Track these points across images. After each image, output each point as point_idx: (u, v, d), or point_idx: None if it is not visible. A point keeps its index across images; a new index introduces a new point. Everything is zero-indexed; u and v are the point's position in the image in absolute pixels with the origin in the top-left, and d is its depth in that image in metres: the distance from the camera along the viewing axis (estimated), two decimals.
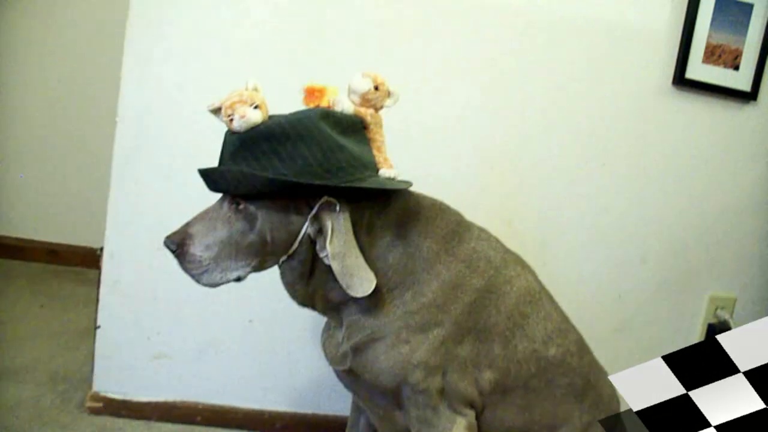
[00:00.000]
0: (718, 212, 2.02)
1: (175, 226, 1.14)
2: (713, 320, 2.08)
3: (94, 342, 1.83)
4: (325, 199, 1.10)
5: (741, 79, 1.91)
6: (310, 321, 1.83)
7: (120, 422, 1.83)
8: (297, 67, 1.74)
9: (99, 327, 1.81)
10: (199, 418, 1.87)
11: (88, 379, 1.87)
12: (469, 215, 1.31)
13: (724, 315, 2.06)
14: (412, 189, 1.23)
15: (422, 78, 1.79)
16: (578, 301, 1.93)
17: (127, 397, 1.85)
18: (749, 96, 1.93)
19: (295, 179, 1.05)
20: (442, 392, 1.20)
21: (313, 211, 1.11)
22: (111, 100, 1.74)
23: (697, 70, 1.88)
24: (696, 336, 2.08)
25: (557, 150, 1.88)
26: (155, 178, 1.75)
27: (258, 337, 1.86)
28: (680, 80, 1.87)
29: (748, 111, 1.96)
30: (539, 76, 1.84)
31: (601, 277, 1.99)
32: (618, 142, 1.91)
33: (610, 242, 1.97)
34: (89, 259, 2.94)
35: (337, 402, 1.89)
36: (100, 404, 1.84)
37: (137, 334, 1.83)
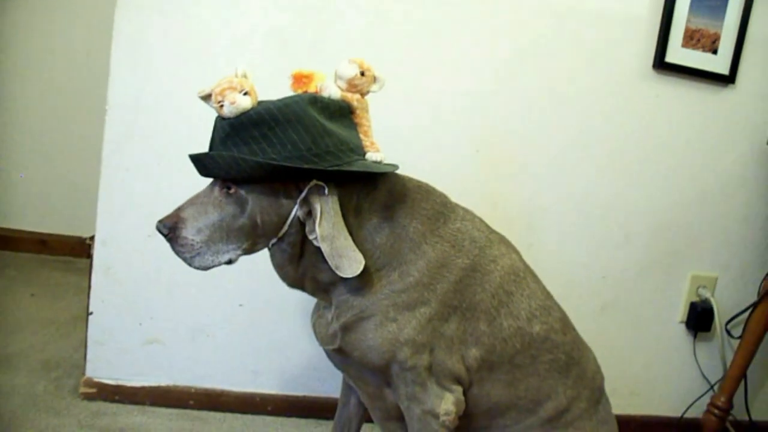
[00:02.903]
0: (699, 193, 2.06)
1: (166, 212, 1.16)
2: (695, 299, 2.12)
3: (86, 328, 1.85)
4: (314, 182, 1.13)
5: (719, 63, 1.95)
6: (300, 304, 1.86)
7: (113, 407, 1.85)
8: (286, 53, 1.76)
9: (91, 313, 1.83)
10: (191, 402, 1.90)
11: (81, 366, 1.89)
12: (456, 199, 1.34)
13: (706, 294, 2.11)
14: (398, 172, 1.26)
15: (409, 63, 1.82)
16: (564, 282, 1.97)
17: (120, 382, 1.87)
18: (727, 79, 1.96)
19: (284, 163, 1.08)
20: (430, 369, 1.23)
21: (303, 195, 1.14)
22: (100, 88, 1.75)
23: (676, 54, 1.91)
24: (679, 315, 2.12)
25: (540, 133, 1.92)
26: (146, 165, 1.77)
27: (249, 320, 1.88)
28: (660, 64, 1.91)
29: (726, 94, 2.00)
30: (522, 62, 1.87)
31: (585, 258, 2.03)
32: (600, 126, 1.95)
33: (594, 224, 2.01)
34: (78, 249, 2.96)
35: (328, 383, 1.92)
36: (94, 390, 1.86)
37: (129, 320, 1.85)
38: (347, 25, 1.78)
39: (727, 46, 1.94)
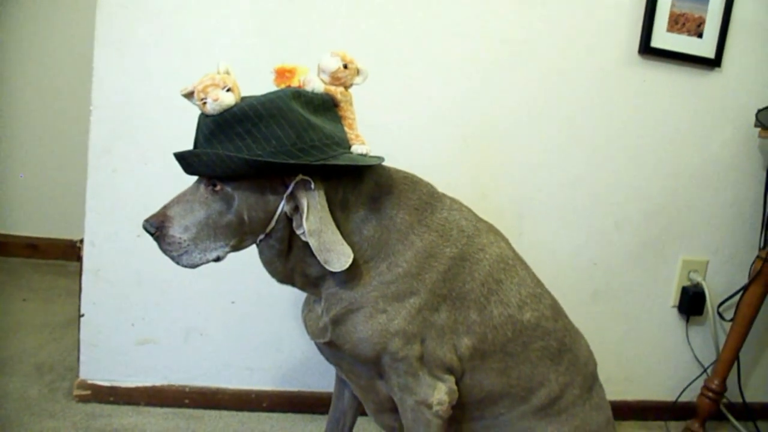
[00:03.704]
0: (688, 177, 2.06)
1: (154, 212, 1.16)
2: (687, 283, 2.13)
3: (78, 331, 1.84)
4: (300, 177, 1.13)
5: (705, 47, 1.95)
6: (291, 299, 1.86)
7: (108, 408, 1.85)
8: (270, 48, 1.75)
9: (83, 315, 1.83)
10: (187, 401, 1.90)
11: (75, 368, 1.89)
12: (444, 189, 1.34)
13: (697, 278, 2.12)
14: (385, 164, 1.25)
15: (396, 55, 1.81)
16: (555, 269, 1.98)
17: (115, 384, 1.87)
18: (713, 62, 1.97)
19: (269, 159, 1.07)
20: (422, 359, 1.23)
21: (289, 190, 1.14)
22: (85, 90, 1.74)
23: (661, 38, 1.91)
24: (671, 299, 2.13)
25: (528, 123, 1.92)
26: (133, 165, 1.76)
27: (241, 317, 1.88)
28: (646, 49, 1.91)
29: (713, 77, 2.00)
30: (509, 52, 1.87)
31: (576, 245, 2.03)
32: (588, 114, 1.95)
33: (583, 211, 2.01)
34: (69, 252, 2.95)
35: (323, 378, 1.92)
36: (88, 392, 1.86)
37: (121, 321, 1.85)
38: (334, 18, 1.77)
39: (712, 29, 1.94)
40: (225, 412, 1.91)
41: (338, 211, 1.18)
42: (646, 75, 1.95)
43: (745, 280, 2.02)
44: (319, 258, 1.13)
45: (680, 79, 1.98)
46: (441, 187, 1.34)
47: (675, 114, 2.01)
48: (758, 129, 1.99)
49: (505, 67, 1.88)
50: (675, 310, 2.15)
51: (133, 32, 1.71)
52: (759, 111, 1.94)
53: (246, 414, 1.91)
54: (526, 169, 1.95)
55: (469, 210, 1.33)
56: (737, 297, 2.05)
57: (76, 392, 1.86)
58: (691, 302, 2.11)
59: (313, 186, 1.12)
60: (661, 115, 2.00)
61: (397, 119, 1.84)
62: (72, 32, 2.95)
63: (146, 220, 1.14)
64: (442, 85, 1.85)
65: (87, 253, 1.80)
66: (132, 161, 1.76)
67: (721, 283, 2.15)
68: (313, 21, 1.76)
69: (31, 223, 3.08)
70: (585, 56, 1.91)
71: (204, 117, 1.11)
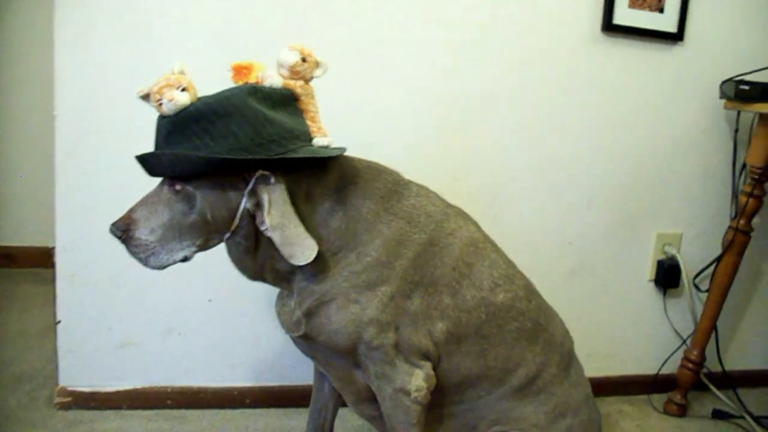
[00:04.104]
0: (659, 152, 2.08)
1: (121, 215, 1.16)
2: (662, 257, 2.15)
3: (56, 338, 1.83)
4: (259, 172, 1.12)
5: (667, 21, 1.96)
6: (268, 294, 1.85)
7: (90, 414, 1.84)
8: (233, 45, 1.74)
9: (59, 322, 1.81)
10: (169, 402, 1.89)
11: (54, 375, 1.87)
12: (417, 176, 1.35)
13: (672, 251, 2.14)
14: (349, 153, 1.25)
15: (366, 41, 1.81)
16: (531, 250, 1.99)
17: (95, 389, 1.86)
18: (676, 37, 1.98)
19: (227, 156, 1.07)
20: (397, 347, 1.24)
21: (249, 186, 1.13)
22: (50, 93, 1.73)
23: (624, 15, 1.92)
24: (647, 273, 2.15)
25: (497, 104, 1.92)
26: (100, 168, 1.75)
27: (219, 315, 1.88)
28: (608, 26, 1.92)
29: (676, 51, 2.01)
30: (471, 35, 1.87)
31: (551, 224, 2.04)
32: (555, 93, 1.95)
33: (557, 190, 2.02)
34: (45, 259, 2.91)
35: (303, 371, 1.92)
36: (69, 398, 1.84)
37: (99, 325, 1.83)
38: (304, 7, 1.76)
39: (673, 4, 1.95)
40: (208, 411, 1.90)
41: (303, 205, 1.18)
42: (611, 52, 1.96)
43: (718, 251, 2.04)
44: (282, 252, 1.13)
45: (644, 55, 1.99)
46: (413, 173, 1.34)
47: (641, 89, 2.02)
48: (723, 101, 2.01)
49: (470, 52, 1.88)
50: (652, 284, 2.17)
51: (92, 33, 1.69)
52: (723, 83, 1.95)
53: (229, 411, 1.91)
54: (497, 151, 1.95)
55: (437, 195, 1.34)
56: (712, 268, 2.07)
57: (57, 400, 1.84)
58: (667, 275, 2.13)
59: (273, 180, 1.12)
60: (627, 91, 2.01)
61: (366, 106, 1.84)
62: (32, 36, 2.91)
63: (113, 224, 1.14)
64: (410, 70, 1.85)
65: (60, 258, 1.79)
66: (99, 164, 1.74)
67: (696, 255, 2.17)
68: (282, 11, 1.75)
69: (5, 232, 3.05)
70: (549, 36, 1.92)
71: (161, 118, 1.11)
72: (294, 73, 1.19)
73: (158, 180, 1.17)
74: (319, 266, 1.20)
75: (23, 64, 2.95)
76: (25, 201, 3.03)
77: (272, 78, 1.16)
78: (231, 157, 1.07)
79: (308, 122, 1.20)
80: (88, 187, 1.75)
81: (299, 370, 1.93)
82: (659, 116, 2.05)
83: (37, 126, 2.92)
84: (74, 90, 1.71)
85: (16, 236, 3.06)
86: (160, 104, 1.08)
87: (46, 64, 1.78)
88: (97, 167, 1.75)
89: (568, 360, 1.43)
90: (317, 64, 1.22)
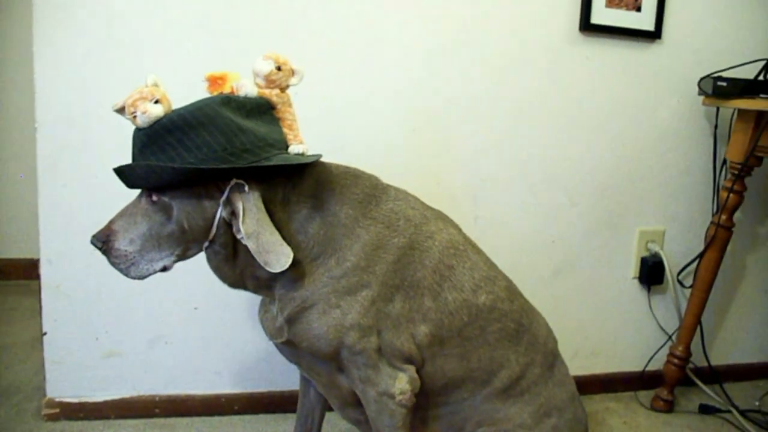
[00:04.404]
0: (640, 150, 2.09)
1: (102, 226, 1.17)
2: (645, 254, 2.16)
3: (42, 349, 1.82)
4: (233, 181, 1.13)
5: (644, 20, 1.98)
6: (253, 300, 1.85)
7: (78, 425, 1.83)
8: (212, 54, 1.74)
9: (45, 333, 1.81)
10: (157, 410, 1.89)
11: (42, 387, 1.87)
12: (397, 179, 1.35)
13: (655, 248, 2.15)
14: (327, 160, 1.26)
15: (343, 44, 1.82)
16: (514, 251, 2.01)
17: (83, 399, 1.86)
18: (654, 35, 2.00)
19: (200, 165, 1.08)
20: (380, 351, 1.24)
21: (224, 195, 1.14)
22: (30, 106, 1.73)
23: (601, 14, 1.94)
24: (631, 271, 2.16)
25: (477, 106, 1.93)
26: (83, 179, 1.75)
27: (205, 323, 1.88)
28: (586, 26, 1.93)
29: (654, 49, 2.03)
30: (451, 36, 1.88)
31: (533, 224, 2.05)
32: (534, 94, 1.97)
33: (538, 190, 2.03)
34: (31, 271, 2.89)
35: (290, 377, 1.93)
36: (57, 410, 1.84)
37: (85, 336, 1.83)
38: (282, 11, 1.76)
39: (650, 2, 1.97)
40: (197, 419, 1.90)
41: (280, 212, 1.19)
42: (589, 52, 1.98)
43: (701, 247, 2.06)
44: (258, 260, 1.13)
45: (623, 53, 2.01)
46: (393, 176, 1.35)
47: (620, 88, 2.03)
48: (702, 97, 2.02)
49: (450, 53, 1.89)
50: (636, 281, 2.18)
51: (72, 46, 1.69)
52: (701, 79, 1.96)
53: (217, 419, 1.91)
54: (478, 152, 1.96)
55: (416, 199, 1.34)
56: (695, 264, 2.08)
57: (45, 411, 1.84)
58: (651, 272, 2.14)
59: (247, 189, 1.13)
60: (606, 90, 2.02)
61: (345, 109, 1.84)
62: (12, 45, 2.91)
63: (93, 236, 1.16)
64: (389, 72, 1.86)
65: (44, 270, 1.79)
66: (81, 175, 1.75)
67: (679, 251, 2.18)
68: (260, 17, 1.75)
69: None
70: (527, 37, 1.93)
71: (137, 131, 1.12)
72: (269, 82, 1.19)
73: (138, 192, 1.17)
74: (298, 272, 1.21)
75: (3, 74, 2.95)
76: (10, 214, 3.03)
77: (246, 87, 1.17)
78: (204, 167, 1.08)
79: (285, 130, 1.20)
80: (71, 199, 1.75)
81: (286, 376, 1.93)
82: (639, 114, 2.06)
83: (19, 138, 2.91)
84: (55, 102, 1.71)
85: (2, 249, 3.05)
86: (135, 117, 1.09)
87: (25, 74, 1.78)
88: (79, 179, 1.75)
89: (552, 360, 1.45)
90: (293, 72, 1.22)
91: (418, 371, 1.29)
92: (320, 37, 1.79)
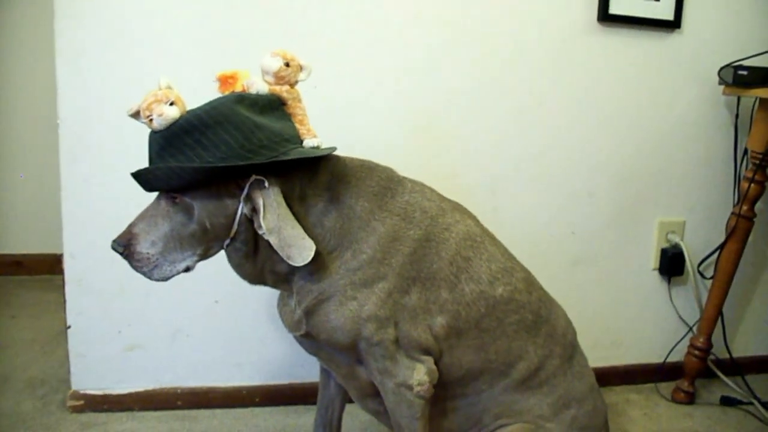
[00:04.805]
0: (658, 140, 2.08)
1: (129, 219, 1.18)
2: (665, 245, 2.15)
3: (67, 342, 1.86)
4: (253, 177, 1.14)
5: (663, 9, 1.96)
6: (273, 295, 1.85)
7: (103, 416, 1.86)
8: (228, 54, 1.75)
9: (69, 327, 1.84)
10: (180, 402, 1.92)
11: (67, 380, 1.90)
12: (413, 172, 1.36)
13: (676, 239, 2.14)
14: (342, 154, 1.27)
15: (352, 37, 1.82)
16: (533, 242, 2.00)
17: (107, 391, 1.89)
18: (673, 24, 1.98)
19: (220, 164, 1.09)
20: (397, 342, 1.25)
21: (245, 192, 1.15)
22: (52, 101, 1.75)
23: (620, 4, 1.92)
24: (651, 262, 2.15)
25: (494, 96, 1.93)
26: (105, 174, 1.77)
27: (225, 316, 1.90)
28: (605, 16, 1.92)
29: (673, 38, 2.01)
30: (468, 26, 1.88)
31: (552, 215, 2.05)
32: (552, 85, 1.96)
33: (556, 181, 2.03)
34: (55, 266, 2.94)
35: (310, 369, 1.94)
36: (81, 402, 1.87)
37: (108, 329, 1.86)
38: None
39: None
40: (218, 410, 1.92)
41: (297, 206, 1.20)
42: (607, 42, 1.96)
43: (722, 238, 2.04)
44: (281, 254, 1.14)
45: (641, 44, 1.99)
46: (409, 170, 1.35)
47: (639, 78, 2.02)
48: (722, 87, 2.00)
49: (467, 43, 1.88)
50: (656, 273, 2.17)
51: (93, 40, 1.71)
52: (721, 69, 1.95)
53: (239, 410, 1.93)
54: (496, 143, 1.96)
55: (432, 191, 1.35)
56: (716, 255, 2.07)
57: (70, 403, 1.87)
58: (671, 263, 2.13)
59: (267, 184, 1.14)
60: (625, 80, 2.01)
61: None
62: (34, 44, 2.95)
63: (114, 240, 1.16)
64: (404, 65, 1.86)
65: (68, 264, 1.82)
66: (103, 171, 1.77)
67: (699, 242, 2.17)
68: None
69: (15, 240, 3.09)
70: (545, 28, 1.92)
71: (153, 134, 1.13)
72: (279, 78, 1.20)
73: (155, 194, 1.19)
74: (315, 265, 1.22)
75: (24, 70, 2.99)
76: (33, 209, 3.07)
77: (257, 85, 1.18)
78: (224, 165, 1.09)
79: (297, 125, 1.21)
80: (93, 194, 1.78)
81: (306, 368, 1.95)
82: (659, 104, 2.05)
83: (42, 134, 2.95)
84: (77, 97, 1.73)
85: (26, 244, 3.10)
86: (150, 120, 1.10)
87: (47, 70, 1.80)
88: (100, 175, 1.77)
89: (571, 351, 1.44)
90: (301, 68, 1.23)
91: (436, 363, 1.30)
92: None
